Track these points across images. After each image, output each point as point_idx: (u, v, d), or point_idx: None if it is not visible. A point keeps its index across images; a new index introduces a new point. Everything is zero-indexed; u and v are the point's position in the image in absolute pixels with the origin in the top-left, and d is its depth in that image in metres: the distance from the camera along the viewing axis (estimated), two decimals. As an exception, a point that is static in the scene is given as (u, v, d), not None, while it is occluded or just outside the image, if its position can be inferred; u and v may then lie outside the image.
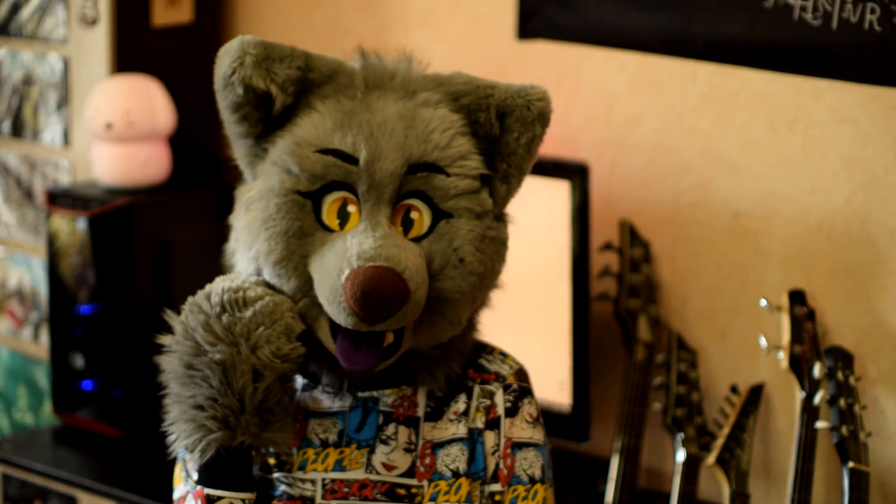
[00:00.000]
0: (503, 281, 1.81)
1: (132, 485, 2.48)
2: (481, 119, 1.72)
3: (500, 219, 1.77)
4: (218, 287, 1.71)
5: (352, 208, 1.69)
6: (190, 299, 1.72)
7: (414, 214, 1.70)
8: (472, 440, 1.76)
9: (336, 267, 1.64)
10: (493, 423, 1.77)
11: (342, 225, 1.69)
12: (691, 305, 2.43)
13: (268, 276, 1.70)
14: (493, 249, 1.74)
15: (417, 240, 1.69)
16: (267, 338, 1.66)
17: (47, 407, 2.99)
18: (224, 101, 1.72)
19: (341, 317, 1.64)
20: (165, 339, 1.71)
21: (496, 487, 1.76)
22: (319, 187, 1.69)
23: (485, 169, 1.73)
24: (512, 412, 1.77)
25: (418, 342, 1.72)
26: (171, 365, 1.71)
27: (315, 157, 1.69)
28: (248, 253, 1.72)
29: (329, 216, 1.69)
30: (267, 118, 1.72)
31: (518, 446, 1.77)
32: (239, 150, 1.77)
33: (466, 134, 1.72)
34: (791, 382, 2.21)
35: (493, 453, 1.76)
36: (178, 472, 1.82)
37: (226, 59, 1.70)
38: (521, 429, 1.78)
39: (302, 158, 1.69)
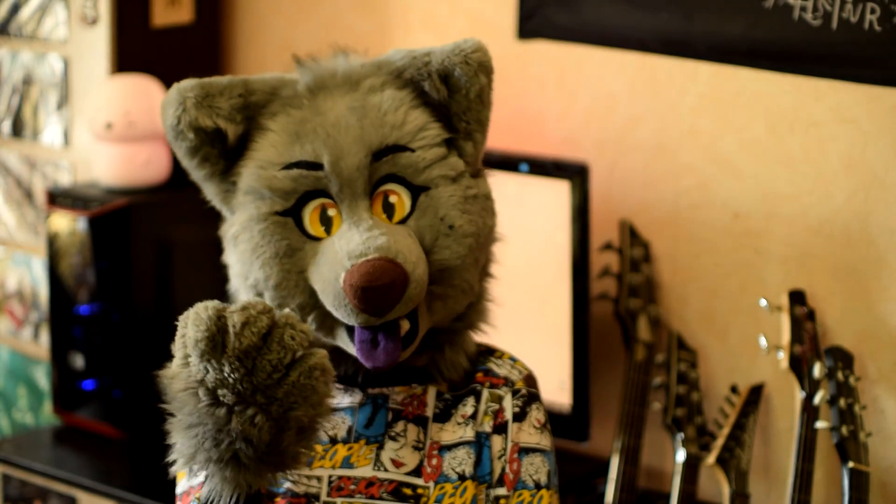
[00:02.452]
0: (501, 234, 1.82)
1: (132, 485, 2.48)
2: (427, 87, 1.74)
3: (477, 175, 1.78)
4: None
5: (332, 212, 1.70)
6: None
7: (392, 198, 1.71)
8: (480, 444, 1.76)
9: (332, 273, 1.65)
10: (500, 428, 1.77)
11: (328, 230, 1.70)
12: (691, 305, 2.43)
13: (270, 300, 1.71)
14: (480, 206, 1.74)
15: (403, 221, 1.70)
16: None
17: (47, 407, 2.99)
18: (180, 150, 1.75)
19: (351, 318, 1.65)
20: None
21: (502, 492, 1.76)
22: (295, 202, 1.70)
23: (446, 133, 1.74)
24: (520, 417, 1.77)
25: (436, 318, 1.73)
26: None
27: (282, 174, 1.70)
28: (247, 283, 1.73)
29: (313, 226, 1.71)
30: (225, 152, 1.75)
31: (525, 451, 1.77)
32: (209, 191, 1.79)
33: (418, 106, 1.74)
34: (791, 382, 2.21)
35: (500, 457, 1.76)
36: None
37: (168, 110, 1.73)
38: (529, 434, 1.78)
39: (269, 180, 1.71)
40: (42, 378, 3.01)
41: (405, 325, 1.68)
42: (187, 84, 1.72)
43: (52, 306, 2.73)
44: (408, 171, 1.71)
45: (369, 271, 1.61)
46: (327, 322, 1.70)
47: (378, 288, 1.61)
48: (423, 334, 1.72)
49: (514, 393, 1.78)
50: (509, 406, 1.77)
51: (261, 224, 1.71)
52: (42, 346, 2.97)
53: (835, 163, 2.26)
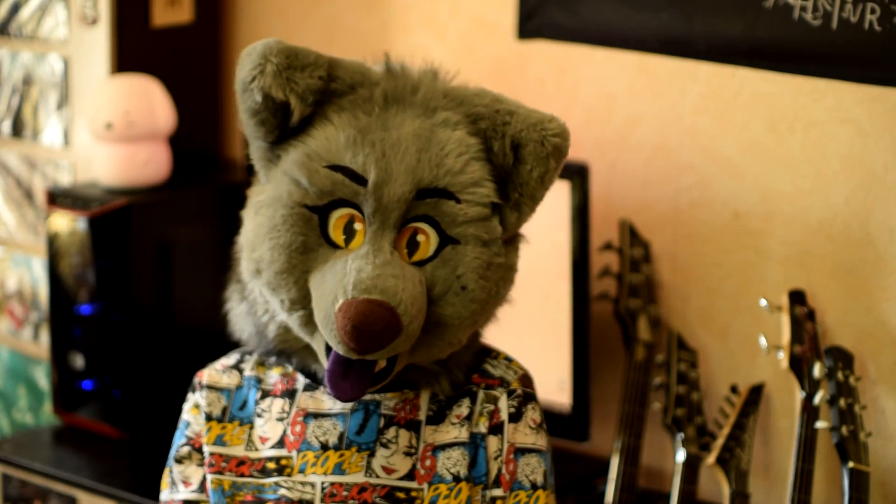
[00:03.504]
0: (511, 297, 1.79)
1: (132, 485, 2.48)
2: (495, 147, 1.69)
3: (511, 242, 1.74)
4: None
5: (358, 226, 1.67)
6: None
7: (420, 237, 1.67)
8: (475, 445, 1.75)
9: (332, 292, 1.62)
10: (496, 428, 1.76)
11: (347, 241, 1.67)
12: (691, 305, 2.43)
13: (265, 280, 1.69)
14: (500, 276, 1.71)
15: (421, 263, 1.67)
16: None
17: (47, 407, 2.99)
18: (242, 104, 1.69)
19: (332, 342, 1.63)
20: None
21: (498, 493, 1.75)
22: (327, 203, 1.67)
23: (496, 197, 1.70)
24: (515, 417, 1.77)
25: (415, 359, 1.71)
26: None
27: (325, 172, 1.67)
28: (251, 255, 1.71)
29: (335, 231, 1.67)
30: (284, 125, 1.70)
31: (521, 452, 1.77)
32: (255, 151, 1.74)
33: (482, 159, 1.69)
34: (791, 382, 2.21)
35: (496, 458, 1.75)
36: (165, 478, 1.83)
37: (247, 64, 1.67)
38: (525, 434, 1.77)
39: (311, 172, 1.67)
40: (42, 378, 3.01)
41: (381, 363, 1.67)
42: (275, 46, 1.66)
43: (52, 306, 2.73)
44: (445, 219, 1.67)
45: (365, 312, 1.58)
46: (311, 325, 1.69)
47: (367, 332, 1.58)
48: (396, 372, 1.70)
49: (510, 393, 1.78)
50: (505, 407, 1.77)
51: (286, 210, 1.67)
52: (42, 346, 2.97)
53: (835, 162, 2.26)
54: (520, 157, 1.69)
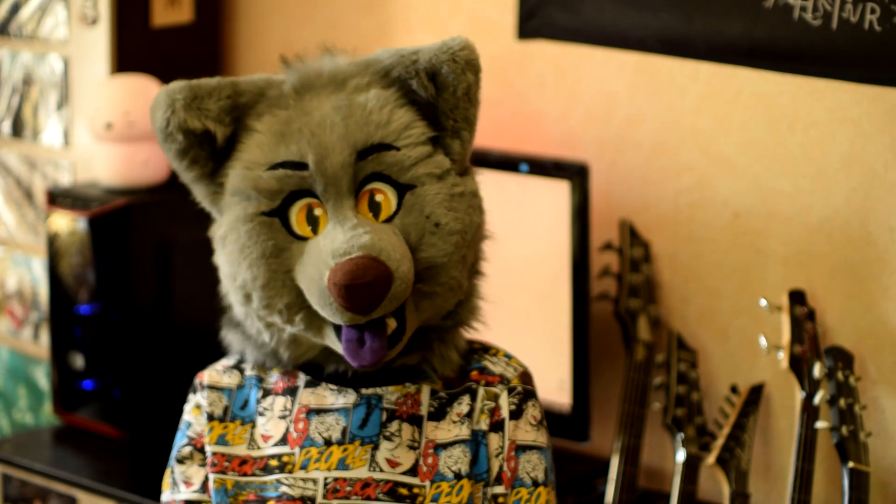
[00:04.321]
0: (490, 232, 1.82)
1: (132, 485, 2.48)
2: (415, 85, 1.74)
3: (465, 173, 1.78)
4: None
5: (318, 211, 1.71)
6: None
7: (378, 197, 1.71)
8: (476, 442, 1.76)
9: (317, 272, 1.65)
10: (497, 426, 1.77)
11: (315, 230, 1.70)
12: (691, 305, 2.43)
13: (258, 300, 1.71)
14: (466, 204, 1.74)
15: (390, 220, 1.70)
16: None
17: (47, 407, 2.99)
18: (169, 152, 1.75)
19: (337, 317, 1.65)
20: None
21: (499, 490, 1.76)
22: (281, 202, 1.71)
23: (431, 131, 1.74)
24: (516, 415, 1.77)
25: (424, 317, 1.73)
26: None
27: (267, 175, 1.71)
28: (235, 284, 1.74)
29: (300, 226, 1.71)
30: (214, 154, 1.75)
31: (522, 449, 1.77)
32: (199, 192, 1.80)
33: (404, 105, 1.74)
34: (791, 382, 2.21)
35: (497, 455, 1.76)
36: (167, 478, 1.83)
37: (158, 112, 1.73)
38: (525, 431, 1.78)
39: (255, 181, 1.71)
40: (42, 378, 3.01)
41: (392, 324, 1.68)
42: (176, 86, 1.73)
43: (52, 306, 2.73)
44: (393, 170, 1.71)
45: (352, 269, 1.61)
46: (315, 322, 1.70)
47: (361, 286, 1.61)
48: (410, 333, 1.71)
49: (510, 391, 1.78)
50: (505, 404, 1.78)
51: (247, 225, 1.71)
52: (42, 346, 2.97)
53: (834, 162, 2.26)
54: (439, 84, 1.74)
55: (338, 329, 1.69)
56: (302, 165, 1.70)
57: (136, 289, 2.64)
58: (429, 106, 1.75)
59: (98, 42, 2.78)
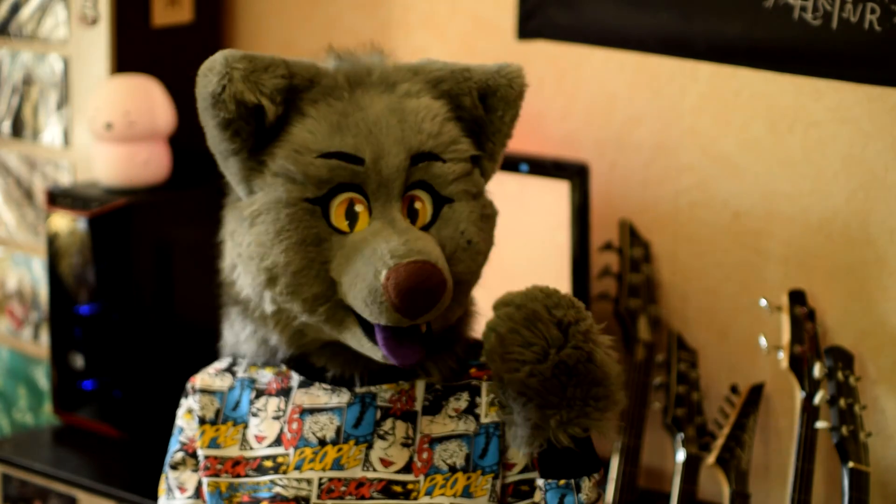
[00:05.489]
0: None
1: (132, 485, 2.48)
2: (465, 103, 1.74)
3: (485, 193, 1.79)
4: None
5: (359, 207, 1.69)
6: None
7: (417, 204, 1.71)
8: (487, 435, 1.75)
9: (370, 267, 1.62)
10: None
11: (351, 226, 1.68)
12: (691, 305, 2.43)
13: (283, 285, 1.68)
14: (490, 226, 1.76)
15: (425, 228, 1.70)
16: None
17: (47, 407, 2.99)
18: (213, 119, 1.70)
19: (382, 316, 1.63)
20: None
21: (532, 475, 1.75)
22: (326, 191, 1.68)
23: (475, 150, 1.75)
24: None
25: (434, 326, 1.72)
26: None
27: (319, 161, 1.68)
28: (261, 264, 1.69)
29: (337, 218, 1.69)
30: (257, 131, 1.71)
31: None
32: (232, 165, 1.74)
33: (451, 119, 1.74)
34: (791, 382, 2.21)
35: None
36: (162, 484, 1.83)
37: (212, 77, 1.69)
38: None
39: (305, 165, 1.68)
40: (42, 378, 3.01)
41: (423, 328, 1.68)
42: (235, 54, 1.68)
43: (52, 306, 2.73)
44: (437, 181, 1.70)
45: (417, 272, 1.60)
46: (338, 315, 1.68)
47: (424, 291, 1.60)
48: (436, 336, 1.72)
49: None
50: None
51: (290, 208, 1.68)
52: (42, 346, 2.98)
53: (835, 162, 2.26)
54: (489, 106, 1.75)
55: (366, 327, 1.67)
56: (357, 160, 1.68)
57: (136, 289, 2.64)
58: (472, 124, 1.75)
59: (98, 42, 2.78)
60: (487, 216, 1.75)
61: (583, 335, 1.66)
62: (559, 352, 1.64)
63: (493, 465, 1.75)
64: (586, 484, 1.68)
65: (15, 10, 2.90)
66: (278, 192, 1.69)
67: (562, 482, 1.68)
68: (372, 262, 1.63)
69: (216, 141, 1.73)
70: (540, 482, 1.70)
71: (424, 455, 1.74)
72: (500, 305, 1.69)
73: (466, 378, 1.79)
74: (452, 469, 1.74)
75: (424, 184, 1.71)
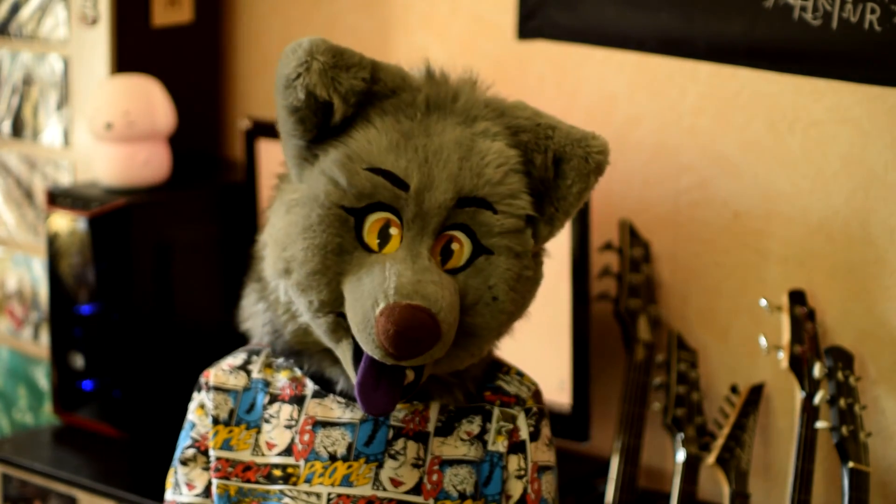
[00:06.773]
0: (529, 312, 1.77)
1: (132, 485, 2.48)
2: (537, 161, 1.69)
3: (537, 255, 1.73)
4: None
5: (394, 231, 1.65)
6: None
7: (455, 246, 1.65)
8: (491, 463, 1.74)
9: (371, 295, 1.59)
10: (517, 447, 1.75)
11: (381, 246, 1.64)
12: (691, 305, 2.43)
13: (295, 280, 1.66)
14: (527, 289, 1.70)
15: (454, 271, 1.66)
16: None
17: (47, 407, 2.99)
18: (283, 100, 1.66)
19: (369, 346, 1.60)
20: None
21: None
22: (365, 205, 1.64)
23: (532, 210, 1.69)
24: (535, 436, 1.76)
25: (436, 369, 1.69)
26: None
27: (365, 174, 1.64)
28: (282, 254, 1.67)
29: (370, 235, 1.65)
30: (323, 124, 1.67)
31: (541, 470, 1.77)
32: (290, 148, 1.71)
33: (520, 171, 1.68)
34: (791, 382, 2.21)
35: (520, 477, 1.74)
36: (170, 477, 1.81)
37: (291, 60, 1.64)
38: (542, 452, 1.77)
39: (352, 173, 1.64)
40: (42, 378, 3.01)
41: (410, 376, 1.65)
42: (321, 45, 1.63)
43: (52, 306, 2.73)
44: (481, 229, 1.65)
45: (408, 317, 1.56)
46: (339, 330, 1.66)
47: (410, 338, 1.56)
48: (422, 384, 1.68)
49: (527, 412, 1.77)
50: (524, 425, 1.75)
51: (323, 210, 1.64)
52: (42, 346, 2.98)
53: (835, 162, 2.26)
54: (561, 171, 1.69)
55: (356, 352, 1.65)
56: (403, 184, 1.63)
57: (136, 289, 2.64)
58: (539, 183, 1.69)
59: (98, 42, 2.78)
60: (527, 278, 1.69)
61: None
62: None
63: (496, 494, 1.74)
64: None
65: (15, 10, 2.90)
66: (319, 189, 1.66)
67: None
68: (375, 290, 1.59)
69: (281, 121, 1.69)
70: None
71: (434, 477, 1.73)
72: None
73: (480, 402, 1.77)
74: (462, 496, 1.72)
75: (467, 228, 1.65)
